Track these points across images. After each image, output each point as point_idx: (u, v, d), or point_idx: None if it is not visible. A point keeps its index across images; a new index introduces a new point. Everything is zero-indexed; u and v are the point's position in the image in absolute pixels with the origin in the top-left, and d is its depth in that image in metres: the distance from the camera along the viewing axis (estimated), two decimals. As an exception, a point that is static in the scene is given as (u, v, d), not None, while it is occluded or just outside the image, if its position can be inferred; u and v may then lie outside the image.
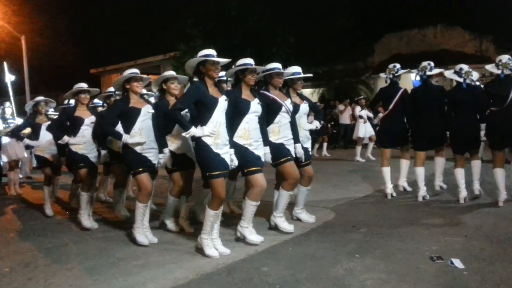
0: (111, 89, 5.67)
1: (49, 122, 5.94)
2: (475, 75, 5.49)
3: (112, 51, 28.60)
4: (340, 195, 6.49)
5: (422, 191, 5.85)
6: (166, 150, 4.53)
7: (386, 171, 6.13)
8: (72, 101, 5.92)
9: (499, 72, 5.22)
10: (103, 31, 30.56)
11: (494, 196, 5.53)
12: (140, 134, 4.37)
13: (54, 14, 23.27)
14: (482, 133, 5.44)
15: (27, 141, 6.34)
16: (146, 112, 4.41)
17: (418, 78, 5.84)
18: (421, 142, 5.87)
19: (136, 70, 4.55)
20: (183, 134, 3.93)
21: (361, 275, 3.42)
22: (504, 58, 5.29)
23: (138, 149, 4.37)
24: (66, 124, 5.38)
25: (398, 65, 6.14)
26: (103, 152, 5.41)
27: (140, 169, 4.37)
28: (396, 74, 6.06)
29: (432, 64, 5.73)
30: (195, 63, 3.99)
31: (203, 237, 3.99)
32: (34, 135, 6.24)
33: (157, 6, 30.27)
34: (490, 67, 5.38)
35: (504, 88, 5.20)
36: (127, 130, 4.38)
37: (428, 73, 5.71)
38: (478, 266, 3.48)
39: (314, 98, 19.53)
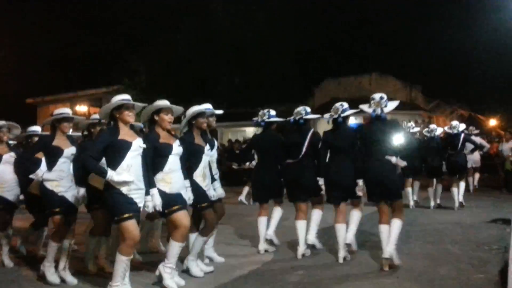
0: (97, 116, 4.86)
1: (11, 153, 5.11)
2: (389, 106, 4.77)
3: (51, 80, 27.48)
4: (278, 236, 6.49)
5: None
6: (154, 191, 3.96)
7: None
8: (36, 128, 5.52)
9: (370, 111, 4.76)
10: (42, 58, 29.37)
11: (426, 237, 5.83)
12: (129, 171, 3.72)
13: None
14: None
15: None
16: (138, 147, 3.82)
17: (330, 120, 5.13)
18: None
19: (127, 96, 3.97)
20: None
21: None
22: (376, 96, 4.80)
23: (124, 189, 3.70)
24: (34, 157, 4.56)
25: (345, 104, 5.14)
26: (82, 191, 4.48)
27: (126, 215, 3.67)
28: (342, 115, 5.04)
29: (346, 105, 5.05)
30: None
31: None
32: None
33: (102, 37, 29.80)
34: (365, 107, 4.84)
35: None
36: (113, 166, 3.71)
37: (342, 114, 4.98)
38: (409, 307, 3.61)
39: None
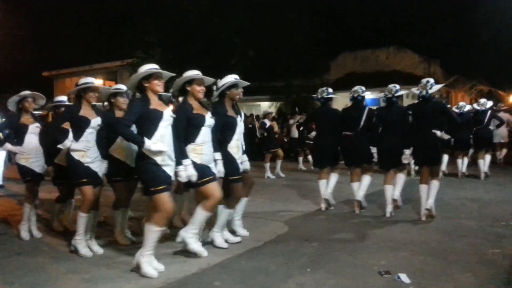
0: (117, 86, 4.95)
1: (36, 124, 5.08)
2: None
3: (67, 54, 27.60)
4: (293, 209, 6.56)
5: (389, 207, 5.95)
6: (188, 162, 3.97)
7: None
8: (62, 98, 5.51)
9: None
10: (58, 33, 29.46)
11: (441, 213, 5.82)
12: (162, 142, 3.71)
13: (7, 12, 22.18)
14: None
15: (8, 146, 5.12)
16: (169, 117, 3.81)
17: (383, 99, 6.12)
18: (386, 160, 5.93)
19: (155, 66, 3.92)
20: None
21: (312, 289, 3.46)
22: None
23: (158, 160, 3.68)
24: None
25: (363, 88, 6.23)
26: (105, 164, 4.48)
27: (162, 187, 3.66)
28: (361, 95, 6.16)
29: (398, 86, 5.94)
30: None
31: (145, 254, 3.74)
32: (18, 139, 5.08)
33: (117, 10, 29.67)
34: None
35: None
36: (146, 136, 3.68)
37: (395, 94, 5.89)
38: (423, 281, 3.61)
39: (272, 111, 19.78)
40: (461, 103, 9.69)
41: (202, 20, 16.57)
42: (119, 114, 4.60)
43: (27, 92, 5.11)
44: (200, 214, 4.14)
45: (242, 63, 16.06)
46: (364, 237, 4.97)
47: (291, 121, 14.54)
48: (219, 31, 16.32)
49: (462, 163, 9.60)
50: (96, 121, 4.31)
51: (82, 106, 4.33)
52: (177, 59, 17.19)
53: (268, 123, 11.25)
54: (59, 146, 4.38)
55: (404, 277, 3.64)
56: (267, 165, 10.45)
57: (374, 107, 6.69)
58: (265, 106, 20.12)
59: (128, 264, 4.01)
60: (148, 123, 3.70)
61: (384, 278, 3.68)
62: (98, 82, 4.59)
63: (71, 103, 5.30)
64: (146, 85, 3.79)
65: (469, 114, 9.56)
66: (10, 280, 3.71)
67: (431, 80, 5.64)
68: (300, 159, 12.14)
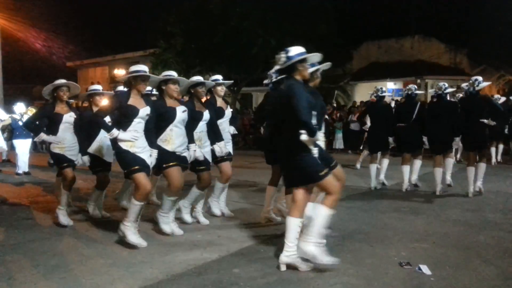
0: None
1: (71, 113, 5.16)
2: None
3: (90, 44, 28.02)
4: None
5: (439, 187, 6.77)
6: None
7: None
8: (97, 87, 5.58)
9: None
10: (82, 24, 29.92)
11: (465, 205, 5.70)
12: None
13: (32, 4, 22.65)
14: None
15: (43, 136, 5.11)
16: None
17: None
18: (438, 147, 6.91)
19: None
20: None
21: (331, 278, 3.45)
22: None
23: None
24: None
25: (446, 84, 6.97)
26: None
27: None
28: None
29: (447, 84, 6.88)
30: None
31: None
32: (52, 128, 5.13)
33: (139, 0, 29.90)
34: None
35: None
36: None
37: (445, 91, 6.76)
38: (444, 273, 3.56)
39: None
40: (496, 96, 10.60)
41: (224, 10, 16.52)
42: (170, 102, 4.53)
43: (62, 81, 5.14)
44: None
45: (263, 52, 15.97)
46: (384, 228, 4.92)
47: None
48: (241, 20, 16.24)
49: (497, 151, 10.20)
50: (144, 110, 4.21)
51: (131, 95, 4.23)
52: (198, 49, 17.24)
53: None
54: (107, 135, 4.33)
55: (425, 269, 3.60)
56: None
57: (398, 98, 7.83)
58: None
59: (150, 250, 4.10)
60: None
61: (405, 269, 3.64)
62: (121, 72, 4.66)
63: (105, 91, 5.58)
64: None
65: (506, 104, 10.42)
66: (36, 263, 3.84)
67: (480, 78, 6.60)
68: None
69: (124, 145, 4.16)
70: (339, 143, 14.32)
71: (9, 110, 9.54)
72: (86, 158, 5.14)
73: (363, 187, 7.03)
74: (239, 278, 3.46)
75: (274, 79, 4.65)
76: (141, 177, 4.13)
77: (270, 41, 16.01)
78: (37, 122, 5.33)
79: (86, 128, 5.11)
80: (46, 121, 5.22)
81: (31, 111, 10.10)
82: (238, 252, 4.08)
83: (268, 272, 3.58)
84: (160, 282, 3.41)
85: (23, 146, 9.50)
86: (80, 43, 26.53)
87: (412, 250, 4.13)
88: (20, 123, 9.36)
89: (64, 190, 5.14)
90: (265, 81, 4.95)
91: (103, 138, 5.10)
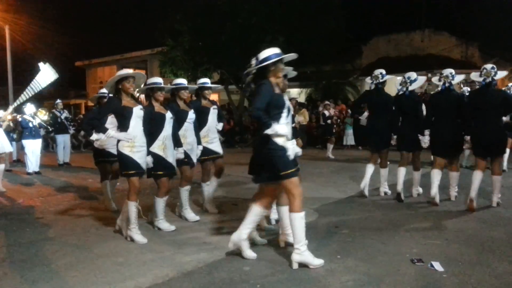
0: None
1: (140, 106, 4.48)
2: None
3: (98, 44, 28.22)
4: (324, 196, 6.50)
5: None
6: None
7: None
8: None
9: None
10: (89, 23, 30.14)
11: (478, 202, 5.60)
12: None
13: (40, 4, 22.86)
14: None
15: (111, 133, 4.38)
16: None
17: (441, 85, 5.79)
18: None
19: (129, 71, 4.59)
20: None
21: (342, 276, 3.42)
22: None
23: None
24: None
25: (383, 71, 6.26)
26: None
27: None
28: (381, 81, 6.20)
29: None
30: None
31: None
32: (121, 125, 4.41)
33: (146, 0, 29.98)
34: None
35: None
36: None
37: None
38: (457, 269, 3.51)
39: (301, 98, 19.57)
40: (510, 84, 9.42)
41: (232, 6, 16.46)
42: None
43: (128, 71, 4.53)
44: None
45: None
46: (396, 224, 4.87)
47: (321, 108, 14.44)
48: (249, 17, 16.17)
49: None
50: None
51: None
52: (206, 47, 17.21)
53: (327, 113, 13.04)
54: (106, 135, 4.42)
55: (437, 265, 3.55)
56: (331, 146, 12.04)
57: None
58: (295, 92, 19.90)
59: (161, 248, 4.10)
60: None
61: (417, 266, 3.60)
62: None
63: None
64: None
65: None
66: (47, 262, 3.86)
67: (496, 67, 5.42)
68: (331, 146, 12.15)
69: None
70: (350, 139, 14.25)
71: (19, 111, 9.62)
72: (149, 159, 4.57)
73: (372, 184, 6.94)
74: (250, 276, 3.45)
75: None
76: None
77: (278, 38, 15.91)
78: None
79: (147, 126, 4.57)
80: (106, 119, 4.94)
81: (41, 112, 10.19)
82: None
83: (279, 270, 3.56)
84: (170, 280, 3.42)
85: (33, 146, 9.59)
86: (88, 42, 26.75)
87: (424, 246, 4.08)
88: (31, 125, 9.46)
89: (132, 201, 4.44)
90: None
91: (167, 135, 4.77)
